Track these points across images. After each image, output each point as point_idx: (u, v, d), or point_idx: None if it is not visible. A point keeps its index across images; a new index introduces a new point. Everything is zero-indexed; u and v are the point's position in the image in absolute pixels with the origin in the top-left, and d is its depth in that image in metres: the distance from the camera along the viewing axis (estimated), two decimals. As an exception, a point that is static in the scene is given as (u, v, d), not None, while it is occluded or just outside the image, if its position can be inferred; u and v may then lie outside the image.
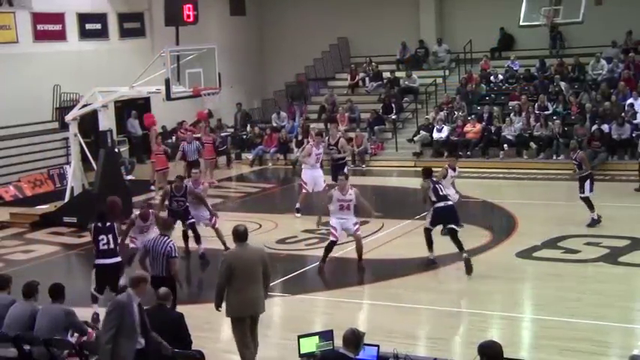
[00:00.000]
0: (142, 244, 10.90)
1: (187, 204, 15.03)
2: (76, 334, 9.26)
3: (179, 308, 9.92)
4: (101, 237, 11.50)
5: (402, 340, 10.02)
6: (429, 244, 13.93)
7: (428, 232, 13.95)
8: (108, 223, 11.64)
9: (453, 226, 13.52)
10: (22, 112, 23.11)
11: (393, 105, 26.89)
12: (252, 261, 9.37)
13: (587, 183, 16.04)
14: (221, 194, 21.65)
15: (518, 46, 28.16)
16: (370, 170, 24.43)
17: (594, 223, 15.90)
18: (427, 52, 29.36)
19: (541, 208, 18.03)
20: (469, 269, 13.16)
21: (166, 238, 10.58)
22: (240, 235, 9.51)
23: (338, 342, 7.76)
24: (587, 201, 16.07)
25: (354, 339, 7.31)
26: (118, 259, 11.67)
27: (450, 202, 14.05)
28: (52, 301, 9.16)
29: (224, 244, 14.52)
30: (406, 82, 27.83)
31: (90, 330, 9.43)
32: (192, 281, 14.51)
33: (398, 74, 28.36)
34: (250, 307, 9.40)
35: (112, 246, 11.50)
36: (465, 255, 13.32)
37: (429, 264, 13.89)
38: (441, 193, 13.91)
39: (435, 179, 14.29)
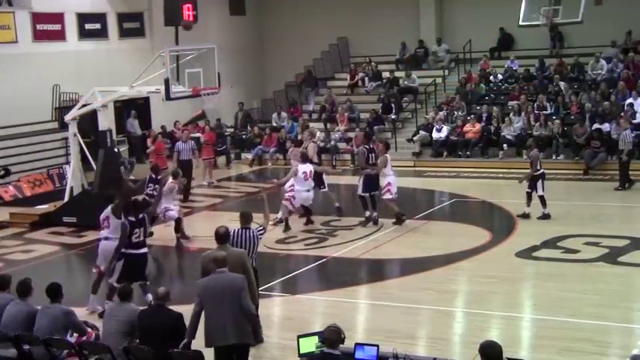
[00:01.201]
0: None
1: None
2: (75, 334, 9.25)
3: (178, 308, 9.87)
4: (135, 231, 11.78)
5: (401, 339, 10.02)
6: (365, 206, 16.52)
7: (362, 199, 16.55)
8: (140, 216, 11.95)
9: (375, 193, 16.50)
10: (21, 111, 23.09)
11: (393, 105, 26.90)
12: (230, 264, 9.25)
13: (540, 182, 16.61)
14: (220, 194, 21.66)
15: (518, 46, 28.15)
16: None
17: (546, 217, 16.58)
18: (427, 52, 29.35)
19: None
20: (375, 223, 16.50)
21: (249, 230, 10.44)
22: (221, 236, 9.46)
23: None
24: (542, 199, 16.66)
25: (337, 337, 7.34)
26: (146, 249, 12.15)
27: (375, 171, 16.47)
28: (51, 301, 9.14)
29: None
30: (405, 82, 27.83)
31: (89, 330, 9.43)
32: (193, 280, 14.41)
33: (397, 74, 28.34)
34: None
35: (142, 238, 11.88)
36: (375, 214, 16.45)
37: (367, 221, 16.54)
38: (371, 162, 16.42)
39: (369, 147, 16.68)
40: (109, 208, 12.34)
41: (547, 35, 26.94)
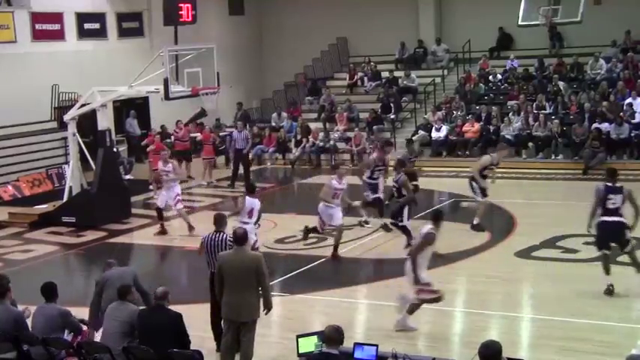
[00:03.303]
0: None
1: None
2: (72, 334, 9.22)
3: (178, 308, 9.84)
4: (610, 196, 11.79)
5: (401, 339, 10.03)
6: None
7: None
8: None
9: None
10: (20, 111, 23.06)
11: (392, 105, 26.90)
12: (243, 267, 9.17)
13: (406, 210, 14.64)
14: (220, 194, 21.65)
15: (517, 46, 28.13)
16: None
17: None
18: (426, 51, 29.34)
19: (540, 207, 18.02)
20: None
21: (224, 234, 10.34)
22: (238, 238, 9.43)
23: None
24: (406, 230, 14.57)
25: (338, 336, 7.33)
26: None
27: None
28: (46, 301, 9.10)
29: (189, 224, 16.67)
30: (405, 82, 27.82)
31: (85, 328, 9.41)
32: (193, 280, 14.42)
33: (397, 74, 28.34)
34: (232, 311, 9.29)
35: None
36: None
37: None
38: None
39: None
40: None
41: (546, 35, 26.94)
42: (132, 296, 9.12)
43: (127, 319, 8.78)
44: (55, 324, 8.95)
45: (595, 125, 22.59)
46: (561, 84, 25.12)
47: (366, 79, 29.07)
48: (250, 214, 13.44)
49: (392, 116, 26.53)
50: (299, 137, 26.16)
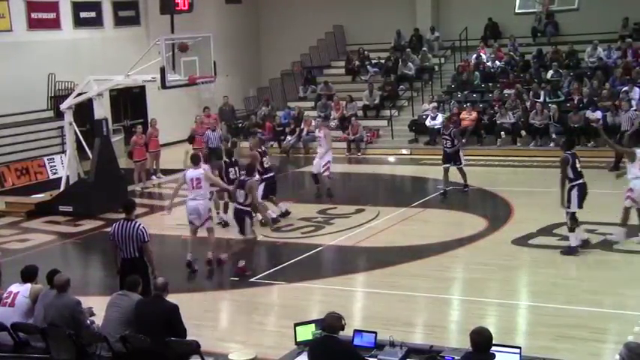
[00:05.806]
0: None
1: None
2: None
3: (180, 296, 9.86)
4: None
5: (398, 327, 10.05)
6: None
7: None
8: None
9: None
10: (16, 100, 23.02)
11: (389, 93, 26.87)
12: None
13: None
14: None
15: (514, 34, 28.05)
16: (366, 158, 24.44)
17: None
18: (422, 39, 29.27)
19: (536, 195, 18.05)
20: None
21: (134, 222, 10.42)
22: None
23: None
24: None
25: (338, 323, 7.36)
26: None
27: None
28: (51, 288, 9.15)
29: None
30: (402, 71, 27.76)
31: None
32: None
33: (393, 62, 28.28)
34: None
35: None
36: None
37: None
38: None
39: None
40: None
41: (541, 23, 26.90)
42: (139, 289, 9.09)
43: (129, 308, 8.74)
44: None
45: (588, 112, 22.53)
46: (558, 72, 25.03)
47: (362, 68, 28.88)
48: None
49: (389, 105, 26.46)
50: (292, 126, 26.19)
